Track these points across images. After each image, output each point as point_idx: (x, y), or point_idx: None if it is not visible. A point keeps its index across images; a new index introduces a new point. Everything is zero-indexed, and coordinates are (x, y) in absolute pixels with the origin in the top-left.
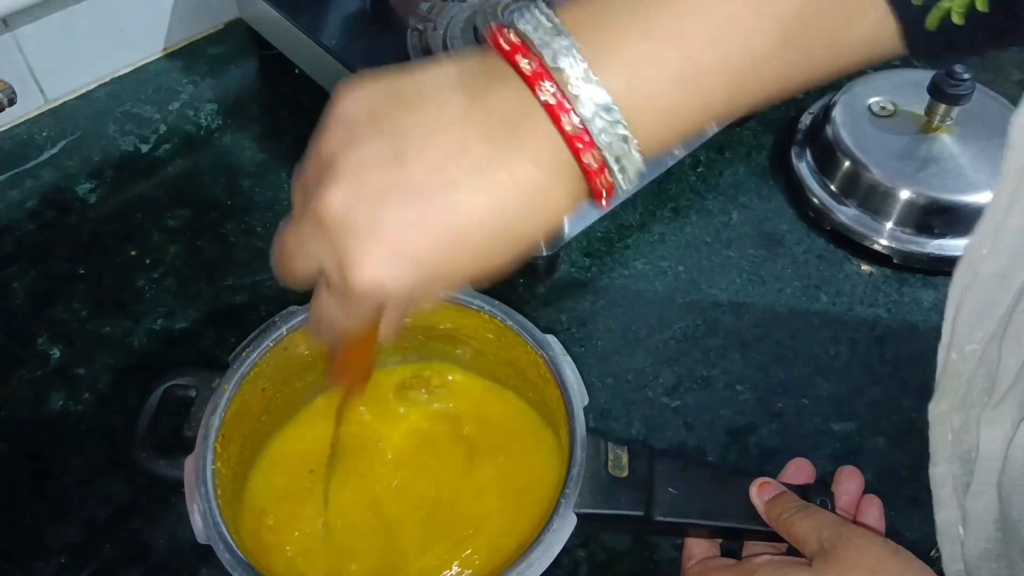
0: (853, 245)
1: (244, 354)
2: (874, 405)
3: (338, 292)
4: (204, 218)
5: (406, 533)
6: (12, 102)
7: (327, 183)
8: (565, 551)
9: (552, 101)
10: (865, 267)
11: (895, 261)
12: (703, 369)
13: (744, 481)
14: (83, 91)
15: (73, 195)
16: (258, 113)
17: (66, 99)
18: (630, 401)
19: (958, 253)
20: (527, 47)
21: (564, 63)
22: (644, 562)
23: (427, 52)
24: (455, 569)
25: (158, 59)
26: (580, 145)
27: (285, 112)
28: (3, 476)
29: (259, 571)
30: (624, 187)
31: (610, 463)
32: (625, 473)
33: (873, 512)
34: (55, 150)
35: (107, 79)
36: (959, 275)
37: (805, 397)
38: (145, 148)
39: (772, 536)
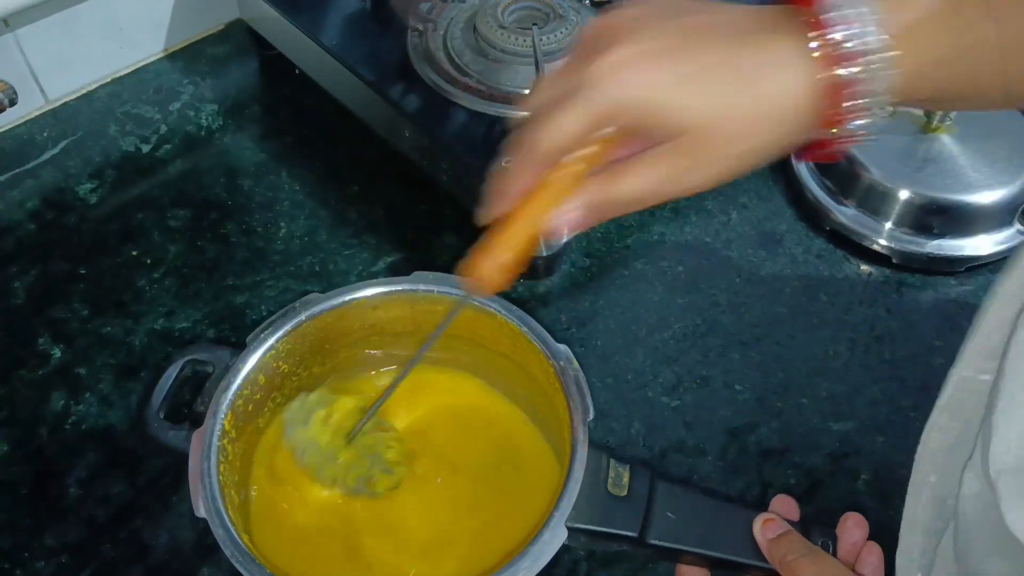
0: (852, 245)
1: (262, 336)
2: (873, 405)
3: (573, 88)
4: (204, 218)
5: (402, 529)
6: (13, 102)
7: (607, 47)
8: (564, 549)
9: (824, 18)
10: (864, 267)
11: (894, 261)
12: (703, 369)
13: (747, 514)
14: (84, 91)
15: (74, 195)
16: (258, 113)
17: (67, 99)
18: (630, 401)
19: (957, 253)
20: None
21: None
22: (643, 561)
23: (427, 52)
24: (447, 571)
25: (159, 59)
26: (838, 54)
27: (285, 112)
28: (3, 476)
29: (251, 551)
30: (872, 112)
31: (610, 480)
32: (624, 492)
33: (872, 560)
34: (56, 150)
35: (108, 79)
36: (985, 300)
37: (804, 397)
38: (146, 148)
39: (771, 573)
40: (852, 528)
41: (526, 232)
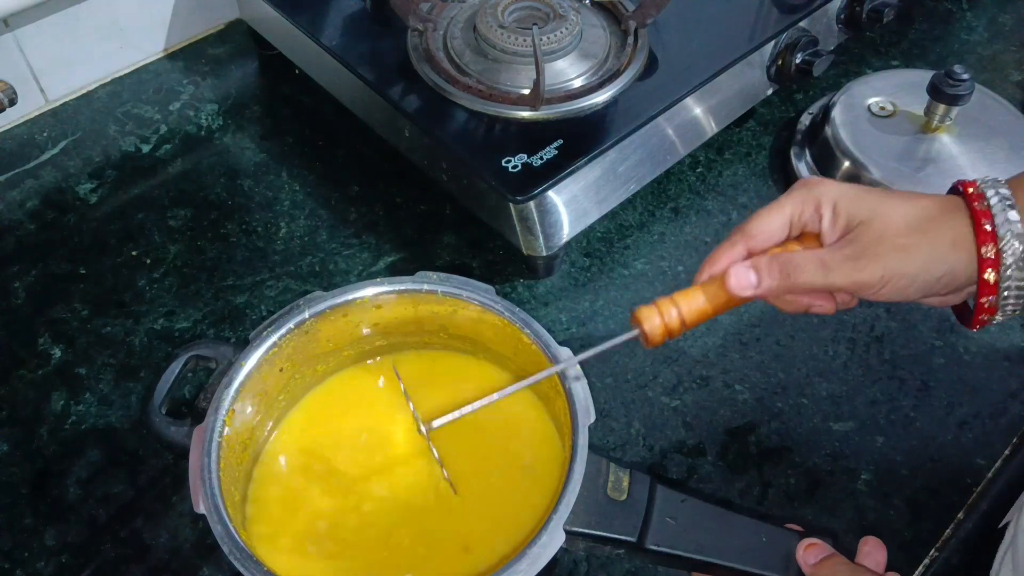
0: None
1: (265, 333)
2: (873, 404)
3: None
4: (204, 218)
5: (401, 532)
6: (13, 102)
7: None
8: (565, 549)
9: (979, 207)
10: None
11: None
12: (702, 369)
13: (747, 521)
14: (84, 91)
15: (74, 195)
16: (258, 113)
17: (67, 99)
18: (630, 401)
19: None
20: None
21: (994, 191)
22: (642, 564)
23: (427, 52)
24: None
25: (159, 59)
26: (988, 246)
27: (285, 112)
28: (3, 476)
29: (249, 549)
30: (1009, 285)
31: (610, 484)
32: (624, 496)
33: None
34: (56, 150)
35: (108, 79)
36: None
37: (804, 396)
38: (146, 148)
39: None
40: (873, 552)
41: (708, 301)
